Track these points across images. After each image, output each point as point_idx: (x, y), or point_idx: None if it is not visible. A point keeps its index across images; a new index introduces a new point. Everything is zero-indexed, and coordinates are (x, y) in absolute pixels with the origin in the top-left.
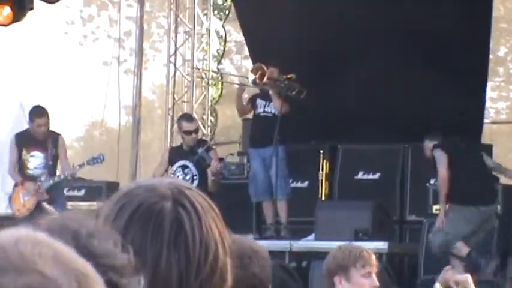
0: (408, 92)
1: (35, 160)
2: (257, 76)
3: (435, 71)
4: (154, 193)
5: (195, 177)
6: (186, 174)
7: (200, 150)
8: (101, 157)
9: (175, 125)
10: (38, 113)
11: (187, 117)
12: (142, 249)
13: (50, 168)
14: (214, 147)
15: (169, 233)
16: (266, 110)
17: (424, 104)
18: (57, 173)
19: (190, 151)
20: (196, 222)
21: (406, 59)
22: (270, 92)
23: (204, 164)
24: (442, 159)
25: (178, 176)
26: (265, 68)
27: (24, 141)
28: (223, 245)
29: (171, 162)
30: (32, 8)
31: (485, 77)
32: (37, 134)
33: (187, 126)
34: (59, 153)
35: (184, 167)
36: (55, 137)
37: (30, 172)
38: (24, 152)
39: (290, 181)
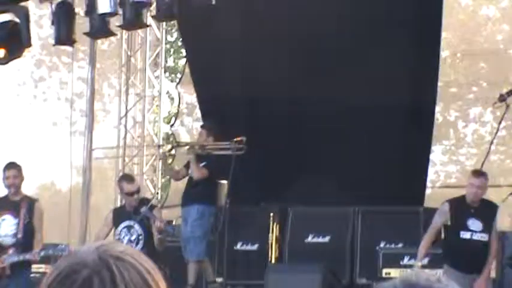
0: (357, 155)
1: (6, 226)
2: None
3: (379, 137)
4: (78, 260)
5: (140, 237)
6: (131, 235)
7: (143, 209)
8: (66, 249)
9: None
10: (7, 165)
11: (128, 178)
12: None
13: (22, 240)
14: (157, 204)
15: None
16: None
17: (372, 168)
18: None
19: (134, 211)
20: None
21: (353, 126)
22: (190, 157)
23: (148, 223)
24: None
25: (123, 237)
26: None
27: None
28: None
29: (116, 223)
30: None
31: (429, 143)
32: (8, 190)
33: (128, 187)
34: (33, 224)
35: (129, 227)
36: (31, 202)
37: (1, 239)
38: None
39: (205, 242)
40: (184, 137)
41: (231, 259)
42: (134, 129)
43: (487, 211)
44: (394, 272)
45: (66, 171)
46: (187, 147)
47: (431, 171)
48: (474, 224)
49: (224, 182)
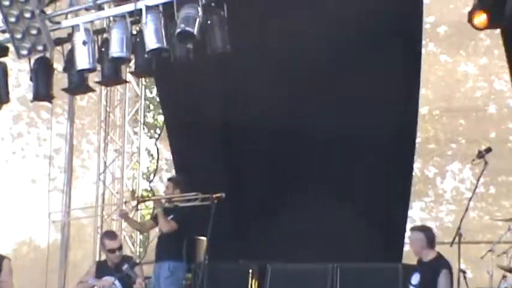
0: (336, 210)
1: None
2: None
3: (358, 191)
4: None
5: None
6: None
7: (125, 267)
8: None
9: None
10: None
11: (110, 235)
12: None
13: None
14: (139, 263)
15: None
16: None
17: (349, 227)
18: None
19: (116, 267)
20: None
21: (328, 180)
22: (156, 211)
23: (129, 280)
24: None
25: None
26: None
27: None
28: None
29: (98, 276)
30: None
31: (408, 197)
32: None
33: (110, 244)
34: (2, 281)
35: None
36: (0, 259)
37: None
38: None
39: None
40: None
41: None
42: (113, 185)
43: (431, 267)
44: None
45: (45, 228)
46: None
47: (410, 227)
48: (415, 278)
49: (203, 238)
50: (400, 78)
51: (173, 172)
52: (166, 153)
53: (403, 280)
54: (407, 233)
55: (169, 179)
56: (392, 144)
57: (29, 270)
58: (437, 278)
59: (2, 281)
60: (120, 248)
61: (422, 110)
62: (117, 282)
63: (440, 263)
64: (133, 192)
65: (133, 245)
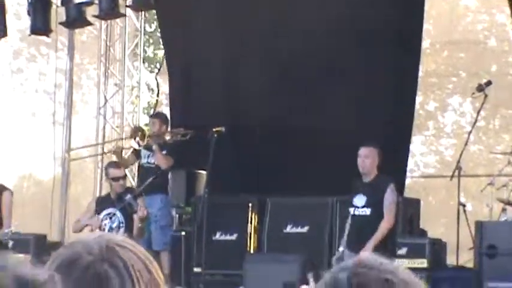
0: (337, 143)
1: None
2: (139, 138)
3: (359, 127)
4: (83, 247)
5: (121, 225)
6: (112, 222)
7: (128, 197)
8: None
9: (105, 177)
10: None
11: (114, 164)
12: None
13: None
14: (141, 194)
15: (87, 287)
16: (149, 160)
17: (351, 157)
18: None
19: (118, 198)
20: (125, 281)
21: (333, 117)
22: (153, 147)
23: (131, 210)
24: (394, 206)
25: (105, 224)
26: (143, 128)
27: None
28: None
29: (98, 211)
30: None
31: (409, 131)
32: None
33: (114, 172)
34: (1, 211)
35: (111, 215)
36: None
37: None
38: None
39: (169, 231)
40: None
41: (210, 249)
42: (113, 119)
43: (374, 187)
44: None
45: (46, 162)
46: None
47: (410, 161)
48: (359, 200)
49: (202, 172)
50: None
51: None
52: (166, 88)
53: (403, 212)
54: (409, 167)
55: (155, 115)
56: (395, 78)
57: (30, 205)
58: (385, 194)
59: (3, 213)
60: (124, 177)
61: (424, 43)
62: (118, 213)
63: (385, 179)
64: (135, 128)
65: (133, 179)
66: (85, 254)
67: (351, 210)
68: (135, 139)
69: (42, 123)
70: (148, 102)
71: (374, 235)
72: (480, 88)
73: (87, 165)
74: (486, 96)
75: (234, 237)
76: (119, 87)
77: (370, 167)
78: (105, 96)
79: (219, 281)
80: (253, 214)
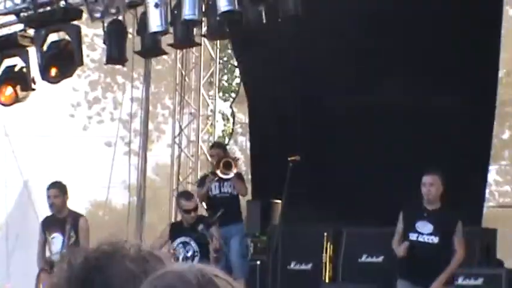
0: (408, 175)
1: (56, 244)
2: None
3: (435, 155)
4: (181, 279)
5: (196, 254)
6: (187, 251)
7: (200, 227)
8: None
9: None
10: (49, 185)
11: (186, 195)
12: None
13: None
14: (214, 223)
15: None
16: (223, 190)
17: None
18: None
19: (191, 228)
20: None
21: (404, 144)
22: (231, 175)
23: (205, 240)
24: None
25: (180, 252)
26: (231, 161)
27: (47, 223)
28: None
29: (172, 237)
30: (34, 89)
31: (487, 160)
32: (52, 209)
33: (186, 205)
34: (79, 240)
35: (185, 243)
36: (75, 218)
37: (52, 257)
38: (47, 234)
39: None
40: (238, 156)
41: (285, 278)
42: (188, 148)
43: (442, 217)
44: None
45: (120, 190)
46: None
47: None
48: (424, 226)
49: (277, 201)
50: (478, 43)
51: (248, 135)
52: (241, 116)
53: (481, 243)
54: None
55: (216, 146)
56: (471, 107)
57: (106, 232)
58: (454, 224)
59: (81, 241)
60: (195, 208)
61: (500, 73)
62: (192, 243)
63: (454, 211)
64: (225, 162)
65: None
66: (181, 285)
67: (413, 235)
68: (222, 170)
69: (117, 151)
70: (223, 131)
71: (448, 268)
72: None
73: (161, 192)
74: None
75: (309, 266)
76: (194, 116)
77: (435, 194)
78: (180, 125)
79: None
80: (329, 243)
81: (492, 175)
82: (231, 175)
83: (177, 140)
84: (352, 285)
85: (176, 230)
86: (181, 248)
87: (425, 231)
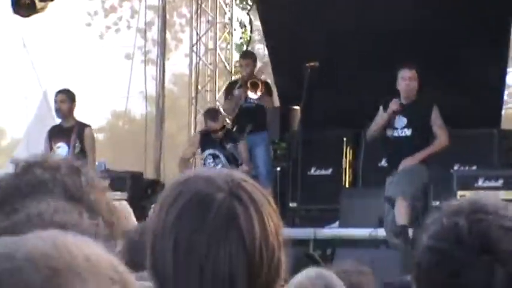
0: (429, 81)
1: (61, 152)
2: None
3: (453, 58)
4: (210, 184)
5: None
6: (216, 164)
7: (229, 146)
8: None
9: (199, 115)
10: (57, 91)
11: (212, 116)
12: (192, 238)
13: None
14: (242, 139)
15: (222, 226)
16: (248, 100)
17: (447, 92)
18: None
19: (220, 143)
20: (253, 216)
21: (425, 54)
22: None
23: (233, 158)
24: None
25: (209, 163)
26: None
27: (53, 132)
28: (278, 239)
29: (202, 147)
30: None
31: (505, 62)
32: (59, 115)
33: (213, 126)
34: (85, 147)
35: (215, 156)
36: (81, 128)
37: None
38: (52, 143)
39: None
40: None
41: (305, 184)
42: (206, 56)
43: (416, 109)
44: (469, 194)
45: (137, 100)
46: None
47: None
48: (399, 121)
49: (296, 107)
50: None
51: (265, 43)
52: (259, 24)
53: (499, 145)
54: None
55: (248, 55)
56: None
57: (124, 143)
58: (430, 117)
59: (87, 150)
60: (222, 128)
61: None
62: (222, 157)
63: (427, 102)
64: (253, 82)
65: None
66: (214, 190)
67: (389, 131)
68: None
69: (135, 61)
70: (241, 38)
71: (427, 148)
72: None
73: (180, 101)
74: None
75: (329, 171)
76: (211, 24)
77: (415, 89)
78: (197, 34)
79: (315, 216)
80: (348, 148)
81: (511, 77)
82: (258, 95)
83: (194, 48)
84: (373, 189)
85: (206, 140)
86: (211, 159)
87: (399, 126)
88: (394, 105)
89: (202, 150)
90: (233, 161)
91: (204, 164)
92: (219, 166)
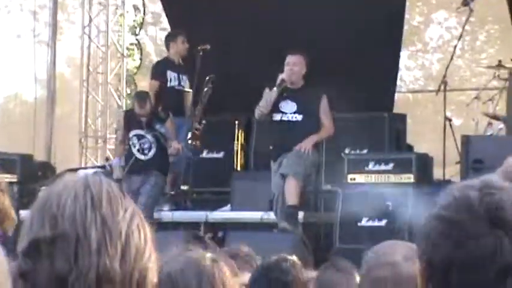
0: (326, 64)
1: None
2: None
3: (351, 44)
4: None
5: (152, 145)
6: (144, 143)
7: (158, 126)
8: None
9: (90, 96)
10: None
11: (140, 103)
12: None
13: None
14: (167, 116)
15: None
16: (181, 84)
17: (341, 75)
18: None
19: (147, 124)
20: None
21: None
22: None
23: (163, 139)
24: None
25: (135, 144)
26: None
27: None
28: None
29: (128, 128)
30: None
31: (398, 47)
32: None
33: (138, 111)
34: None
35: (140, 136)
36: None
37: None
38: None
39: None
40: (149, 47)
41: (197, 167)
42: (98, 38)
43: (305, 94)
44: (359, 178)
45: (30, 83)
46: None
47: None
48: (287, 105)
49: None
50: None
51: (159, 26)
52: (152, 7)
53: (389, 128)
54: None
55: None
56: None
57: (16, 125)
58: (320, 103)
59: None
60: (149, 113)
61: None
62: (148, 135)
63: (317, 89)
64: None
65: (119, 98)
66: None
67: (277, 116)
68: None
69: (26, 43)
70: (134, 21)
71: (315, 135)
72: (465, 3)
73: (71, 85)
74: (472, 10)
75: (220, 155)
76: (103, 6)
77: (299, 74)
78: (89, 16)
79: (207, 198)
80: (240, 131)
81: (404, 60)
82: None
83: (86, 30)
84: (264, 172)
85: (132, 121)
86: (136, 140)
87: (288, 111)
88: (283, 75)
89: (129, 131)
90: (163, 140)
91: (129, 144)
92: (146, 146)
